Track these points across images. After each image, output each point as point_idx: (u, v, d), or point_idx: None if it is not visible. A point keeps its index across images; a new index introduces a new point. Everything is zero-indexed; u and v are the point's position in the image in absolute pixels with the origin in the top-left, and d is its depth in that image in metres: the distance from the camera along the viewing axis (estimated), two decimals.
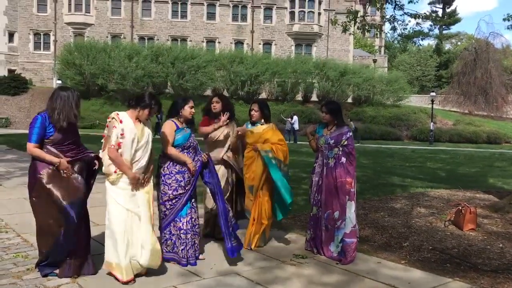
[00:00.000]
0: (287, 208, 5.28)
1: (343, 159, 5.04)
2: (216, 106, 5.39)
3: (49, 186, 4.09)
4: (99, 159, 4.38)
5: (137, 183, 4.24)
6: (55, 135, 4.16)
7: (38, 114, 4.23)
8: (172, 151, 4.60)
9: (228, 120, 5.28)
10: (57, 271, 4.23)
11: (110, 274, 4.26)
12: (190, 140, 4.72)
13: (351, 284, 4.35)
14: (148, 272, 4.35)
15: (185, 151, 4.68)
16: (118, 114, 4.23)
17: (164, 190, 4.60)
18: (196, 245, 4.70)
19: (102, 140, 4.31)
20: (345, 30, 10.38)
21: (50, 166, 4.13)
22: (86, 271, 4.25)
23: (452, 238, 5.78)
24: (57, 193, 4.07)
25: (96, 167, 4.42)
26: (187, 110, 4.72)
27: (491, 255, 5.19)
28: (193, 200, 4.72)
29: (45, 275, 4.21)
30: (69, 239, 4.09)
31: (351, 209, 5.00)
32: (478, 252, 5.30)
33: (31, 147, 4.13)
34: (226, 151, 5.39)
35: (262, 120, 5.41)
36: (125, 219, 4.18)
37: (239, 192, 5.58)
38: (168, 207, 4.60)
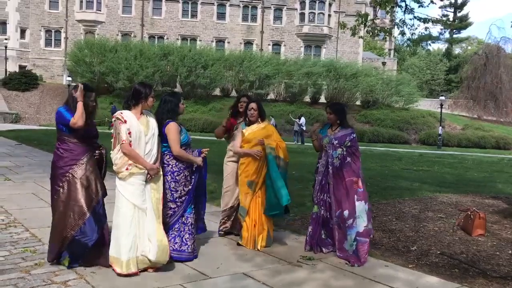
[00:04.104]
0: (278, 208, 5.29)
1: (348, 159, 5.13)
2: (245, 107, 5.53)
3: (78, 183, 4.32)
4: None
5: (157, 173, 4.37)
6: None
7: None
8: (181, 153, 4.59)
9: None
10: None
11: (111, 267, 4.33)
12: (190, 137, 4.80)
13: (356, 286, 4.33)
14: (156, 269, 4.39)
15: (188, 149, 4.72)
16: (122, 113, 4.33)
17: (176, 188, 4.60)
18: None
19: (112, 140, 4.37)
20: (354, 33, 10.31)
21: (81, 158, 4.34)
22: (102, 262, 4.37)
23: (461, 243, 5.73)
24: (84, 192, 4.32)
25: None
26: (181, 107, 4.78)
27: (500, 261, 5.14)
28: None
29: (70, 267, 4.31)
30: (92, 231, 4.28)
31: (361, 208, 5.02)
32: (487, 258, 5.25)
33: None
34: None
35: (259, 119, 5.46)
36: (132, 215, 4.26)
37: None
38: (178, 204, 4.62)
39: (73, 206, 4.27)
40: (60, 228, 4.31)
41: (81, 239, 4.25)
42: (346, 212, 5.04)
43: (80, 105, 4.29)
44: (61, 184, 4.33)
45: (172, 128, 4.58)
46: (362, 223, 5.00)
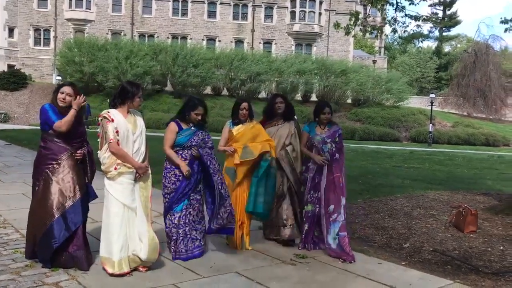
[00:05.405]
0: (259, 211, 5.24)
1: (337, 155, 5.28)
2: (281, 106, 5.67)
3: (54, 180, 4.20)
4: None
5: (145, 171, 4.36)
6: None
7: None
8: (168, 152, 4.70)
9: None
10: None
11: (103, 268, 4.27)
12: (193, 139, 4.73)
13: (351, 284, 4.34)
14: (148, 268, 4.36)
15: (186, 150, 4.70)
16: (108, 112, 4.26)
17: (164, 183, 4.73)
18: (190, 240, 4.71)
19: (98, 140, 4.31)
20: (347, 33, 10.32)
21: (59, 157, 4.23)
22: (78, 265, 4.26)
23: (453, 240, 5.76)
24: (57, 191, 4.19)
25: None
26: (193, 115, 4.76)
27: (492, 258, 5.17)
28: (192, 197, 4.71)
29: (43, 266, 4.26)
30: (59, 233, 4.12)
31: (342, 203, 5.13)
32: (479, 254, 5.28)
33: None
34: (280, 150, 5.44)
35: (248, 119, 5.43)
36: (122, 214, 4.21)
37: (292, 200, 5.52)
38: (168, 199, 4.71)
39: (43, 206, 4.18)
40: (31, 227, 4.28)
41: (47, 241, 4.13)
42: (331, 207, 5.13)
43: (72, 112, 4.21)
44: (37, 183, 4.26)
45: (168, 127, 4.77)
46: (341, 218, 5.09)
